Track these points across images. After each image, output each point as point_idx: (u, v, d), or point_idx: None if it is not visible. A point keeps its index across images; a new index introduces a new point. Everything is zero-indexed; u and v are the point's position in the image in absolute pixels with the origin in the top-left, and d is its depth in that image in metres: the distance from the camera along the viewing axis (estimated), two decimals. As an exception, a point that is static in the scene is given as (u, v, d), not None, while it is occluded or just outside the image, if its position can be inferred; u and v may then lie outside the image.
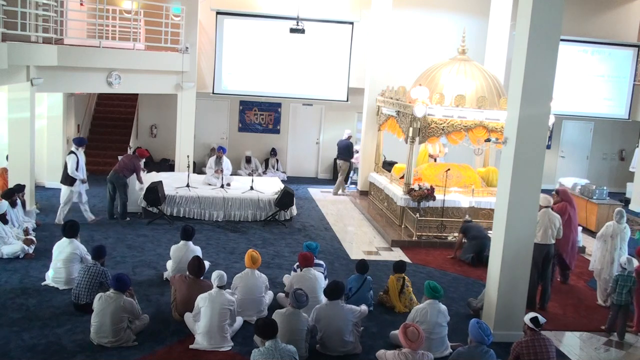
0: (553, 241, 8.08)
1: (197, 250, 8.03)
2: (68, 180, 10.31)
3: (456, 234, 10.90)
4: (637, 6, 16.67)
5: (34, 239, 9.00)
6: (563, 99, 14.83)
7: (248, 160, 15.67)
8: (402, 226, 11.33)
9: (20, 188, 9.96)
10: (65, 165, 10.41)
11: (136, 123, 16.01)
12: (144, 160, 11.56)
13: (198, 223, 10.88)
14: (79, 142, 10.64)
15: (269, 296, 7.44)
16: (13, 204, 9.38)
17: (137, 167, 11.00)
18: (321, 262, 8.12)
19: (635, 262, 7.57)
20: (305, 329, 6.22)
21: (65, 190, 10.38)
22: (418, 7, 15.67)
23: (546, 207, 8.12)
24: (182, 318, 6.79)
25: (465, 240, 10.08)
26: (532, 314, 5.99)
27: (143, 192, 10.96)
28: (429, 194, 10.79)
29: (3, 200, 9.04)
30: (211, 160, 12.55)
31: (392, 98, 12.31)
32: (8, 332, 6.38)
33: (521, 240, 6.93)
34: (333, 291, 6.53)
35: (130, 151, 14.25)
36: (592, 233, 11.30)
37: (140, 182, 11.13)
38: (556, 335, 7.29)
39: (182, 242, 8.07)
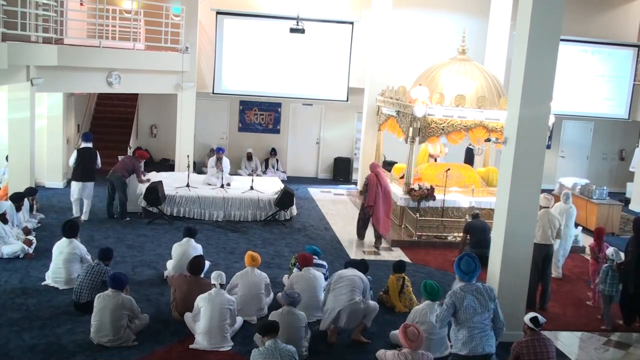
0: (553, 242, 8.16)
1: (199, 248, 8.07)
2: (93, 175, 10.71)
3: (456, 234, 10.91)
4: (637, 6, 16.67)
5: (33, 239, 8.99)
6: (563, 99, 14.81)
7: (249, 157, 15.65)
8: (402, 226, 11.33)
9: (31, 192, 10.06)
10: (91, 162, 10.55)
11: (136, 123, 16.00)
12: (143, 161, 11.58)
13: (198, 223, 10.87)
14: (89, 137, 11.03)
15: (270, 298, 7.45)
16: (18, 208, 9.39)
17: (137, 169, 11.03)
18: (323, 262, 8.13)
19: (621, 254, 7.90)
20: (303, 326, 6.24)
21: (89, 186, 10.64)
22: (418, 7, 15.67)
23: (546, 207, 8.16)
24: (182, 317, 6.80)
25: (469, 239, 9.99)
26: (532, 314, 5.99)
27: (143, 192, 10.96)
28: (429, 194, 10.79)
29: (3, 201, 9.05)
30: (211, 161, 12.54)
31: (392, 98, 12.30)
32: (8, 332, 6.38)
33: (521, 241, 6.93)
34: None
35: (130, 151, 14.25)
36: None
37: (142, 182, 11.12)
38: (556, 335, 7.29)
39: (184, 239, 8.11)
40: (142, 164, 11.42)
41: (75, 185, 10.57)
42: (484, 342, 5.30)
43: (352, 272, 6.91)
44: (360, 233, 10.68)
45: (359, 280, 6.82)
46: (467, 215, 10.59)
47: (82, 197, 10.63)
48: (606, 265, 7.81)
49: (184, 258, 7.83)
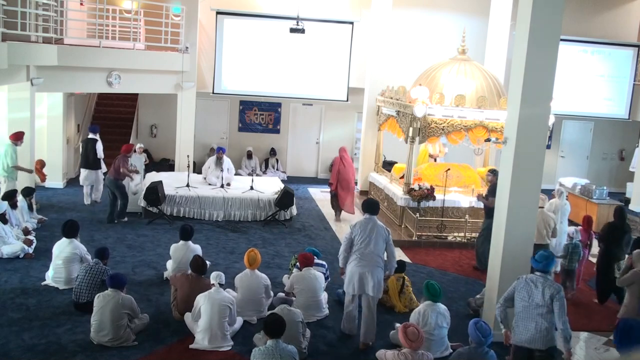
0: (549, 241, 8.24)
1: (197, 249, 8.04)
2: (97, 163, 11.83)
3: (456, 234, 10.95)
4: (637, 6, 16.67)
5: (33, 239, 8.99)
6: (563, 99, 14.82)
7: (249, 155, 15.64)
8: (402, 226, 11.33)
9: (28, 192, 10.06)
10: (92, 151, 11.69)
11: (136, 123, 16.00)
12: (137, 155, 11.63)
13: (198, 223, 10.87)
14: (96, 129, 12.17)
15: (270, 299, 7.44)
16: (14, 206, 9.38)
17: (119, 165, 10.57)
18: (323, 262, 8.14)
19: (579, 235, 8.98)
20: (300, 321, 6.27)
21: (94, 173, 11.83)
22: (418, 7, 15.67)
23: (540, 207, 8.17)
24: (182, 317, 6.80)
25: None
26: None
27: (143, 192, 10.95)
28: (429, 194, 10.79)
29: (3, 201, 9.05)
30: (210, 160, 12.51)
31: (392, 98, 12.31)
32: (8, 332, 6.39)
33: (521, 240, 6.93)
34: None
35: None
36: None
37: (131, 178, 10.94)
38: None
39: (181, 242, 8.07)
40: (131, 156, 10.95)
41: (82, 173, 11.91)
42: (528, 335, 5.43)
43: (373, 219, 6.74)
44: (335, 210, 12.14)
45: (382, 229, 6.70)
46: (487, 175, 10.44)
47: (90, 183, 11.82)
48: (566, 243, 8.67)
49: (183, 260, 7.83)
